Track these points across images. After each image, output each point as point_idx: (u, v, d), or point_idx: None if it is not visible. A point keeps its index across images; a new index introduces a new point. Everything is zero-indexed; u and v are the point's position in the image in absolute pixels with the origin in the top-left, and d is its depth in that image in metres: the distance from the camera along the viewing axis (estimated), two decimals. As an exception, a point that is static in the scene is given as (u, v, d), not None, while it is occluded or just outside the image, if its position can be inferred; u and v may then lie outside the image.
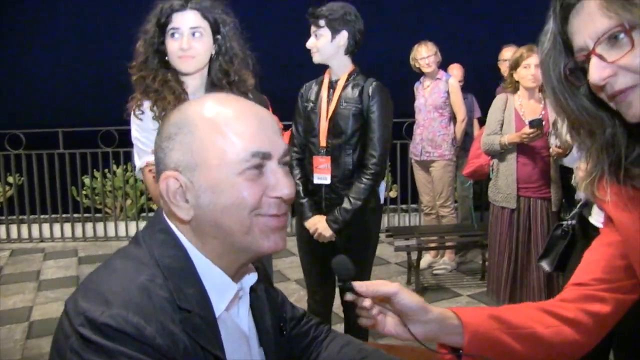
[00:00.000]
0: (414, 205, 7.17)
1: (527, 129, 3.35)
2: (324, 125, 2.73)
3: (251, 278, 1.08)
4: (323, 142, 2.73)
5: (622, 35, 0.82)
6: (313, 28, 2.70)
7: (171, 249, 0.96)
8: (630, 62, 0.83)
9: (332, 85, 2.79)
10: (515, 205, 3.55)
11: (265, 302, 1.15)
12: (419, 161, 5.27)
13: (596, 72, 0.85)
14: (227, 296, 1.00)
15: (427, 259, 5.24)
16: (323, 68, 2.85)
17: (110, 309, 0.83)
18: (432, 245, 5.05)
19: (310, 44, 2.72)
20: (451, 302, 4.49)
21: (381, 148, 2.67)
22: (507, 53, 5.07)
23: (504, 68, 5.08)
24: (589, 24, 0.86)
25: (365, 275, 2.87)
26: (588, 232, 2.14)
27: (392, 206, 7.18)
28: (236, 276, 1.03)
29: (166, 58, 2.08)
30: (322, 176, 2.73)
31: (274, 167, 0.97)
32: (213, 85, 2.12)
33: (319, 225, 2.73)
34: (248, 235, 0.96)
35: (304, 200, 2.79)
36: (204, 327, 0.92)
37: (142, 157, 2.07)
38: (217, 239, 0.97)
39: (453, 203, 5.32)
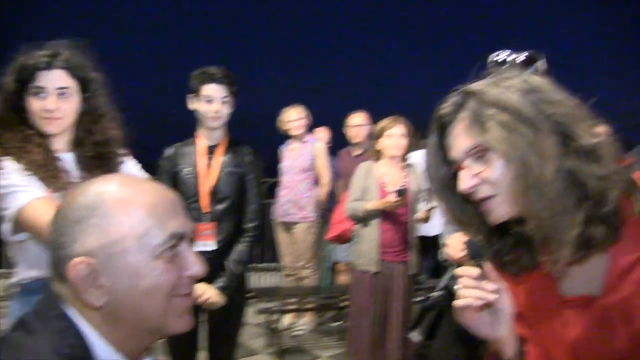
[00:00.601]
0: (273, 264, 7.17)
1: (392, 198, 3.55)
2: (206, 191, 2.68)
3: None
4: (206, 207, 2.67)
5: (481, 154, 1.00)
6: (225, 93, 2.69)
7: (71, 338, 0.90)
8: (488, 176, 1.01)
9: (210, 150, 2.76)
10: (377, 269, 3.69)
11: None
12: (283, 222, 5.32)
13: (463, 182, 1.04)
14: None
15: (286, 320, 5.22)
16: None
17: None
18: (294, 307, 5.06)
19: (217, 107, 2.69)
20: (311, 364, 4.48)
21: (259, 211, 2.77)
22: (356, 119, 5.43)
23: (351, 133, 5.42)
24: (458, 142, 1.05)
25: (235, 340, 2.83)
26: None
27: (251, 265, 7.10)
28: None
29: (25, 114, 1.88)
30: (206, 242, 2.65)
31: (185, 246, 0.97)
32: (76, 144, 1.97)
33: (208, 293, 2.62)
34: (164, 317, 0.93)
35: None
36: None
37: (19, 197, 1.77)
38: (130, 322, 0.92)
39: (314, 265, 5.41)
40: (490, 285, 1.05)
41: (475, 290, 1.05)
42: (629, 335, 0.99)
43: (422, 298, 2.53)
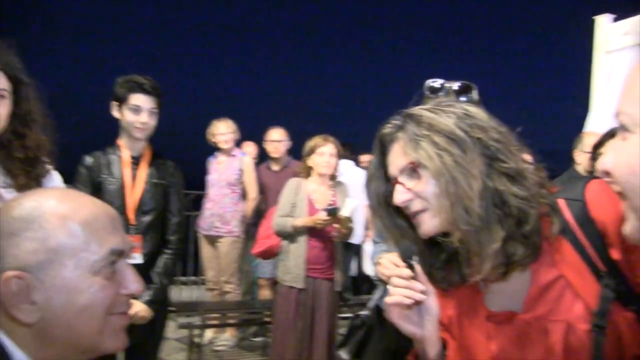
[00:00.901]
0: (194, 278, 7.02)
1: (322, 215, 3.60)
2: (132, 203, 2.62)
3: None
4: (133, 220, 2.60)
5: (413, 170, 1.09)
6: (153, 105, 2.63)
7: None
8: (420, 191, 1.09)
9: (135, 162, 2.69)
10: (303, 286, 3.71)
11: None
12: (207, 236, 5.24)
13: (398, 195, 1.12)
14: None
15: (208, 335, 5.13)
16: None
17: None
18: (215, 322, 4.98)
19: (145, 119, 2.63)
20: (233, 381, 4.42)
21: (182, 224, 2.77)
22: (275, 134, 5.44)
23: (270, 148, 5.44)
24: (396, 159, 1.13)
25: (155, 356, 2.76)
26: (384, 322, 2.31)
27: (173, 278, 6.92)
28: None
29: None
30: (133, 255, 2.56)
31: (124, 264, 0.96)
32: (3, 147, 1.86)
33: (137, 307, 2.54)
34: (99, 335, 0.91)
35: None
36: None
37: None
38: (62, 341, 0.89)
39: (238, 279, 5.35)
40: (419, 286, 1.11)
41: (405, 289, 1.11)
42: (544, 350, 1.07)
43: (351, 315, 2.55)
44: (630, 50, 3.61)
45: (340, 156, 3.96)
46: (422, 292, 1.11)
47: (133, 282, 0.95)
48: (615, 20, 3.84)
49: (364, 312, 2.42)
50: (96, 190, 2.62)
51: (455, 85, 1.66)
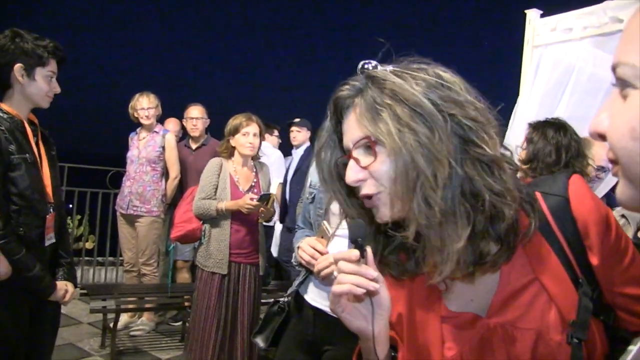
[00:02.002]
0: (111, 259, 6.73)
1: (248, 199, 3.44)
2: (48, 178, 2.34)
3: None
4: (51, 197, 2.34)
5: (369, 146, 0.91)
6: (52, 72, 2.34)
7: None
8: (375, 170, 0.91)
9: (35, 134, 2.34)
10: (226, 271, 3.56)
11: None
12: (125, 215, 4.97)
13: (350, 174, 0.94)
14: None
15: (124, 319, 4.90)
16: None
17: None
18: (131, 306, 4.75)
19: (56, 87, 2.36)
20: (149, 367, 4.24)
21: None
22: (194, 112, 5.32)
23: (189, 126, 5.32)
24: (351, 130, 0.94)
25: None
26: (302, 309, 2.24)
27: (87, 258, 6.60)
28: None
29: None
30: (50, 235, 2.33)
31: None
32: None
33: (69, 287, 2.41)
34: None
35: (43, 270, 2.27)
36: None
37: None
38: None
39: (156, 261, 5.13)
40: (372, 272, 0.93)
41: (354, 276, 0.93)
42: (508, 359, 0.95)
43: (270, 301, 2.45)
44: (556, 47, 3.68)
45: (263, 136, 3.82)
46: (374, 280, 0.93)
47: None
48: (543, 16, 3.90)
49: (282, 299, 2.34)
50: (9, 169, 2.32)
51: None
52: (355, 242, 0.95)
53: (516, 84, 3.84)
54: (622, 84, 0.62)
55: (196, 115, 5.31)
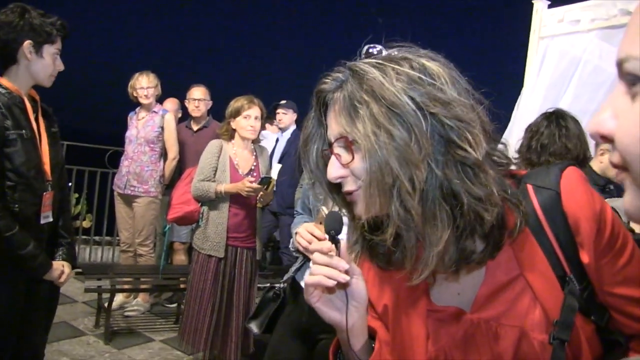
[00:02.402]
0: (108, 238, 6.72)
1: (247, 183, 3.41)
2: (47, 155, 2.29)
3: None
4: (50, 175, 2.29)
5: (346, 145, 0.90)
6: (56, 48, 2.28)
7: None
8: (354, 168, 0.90)
9: (35, 110, 2.30)
10: (223, 255, 3.54)
11: None
12: (122, 194, 4.95)
13: (332, 170, 0.93)
14: None
15: (119, 299, 4.89)
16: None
17: None
18: (127, 286, 4.74)
19: (60, 65, 2.31)
20: (143, 347, 4.24)
21: None
22: (197, 93, 5.28)
23: (191, 107, 5.28)
24: (332, 125, 0.93)
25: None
26: (298, 296, 2.23)
27: (84, 237, 6.60)
28: None
29: None
30: (47, 214, 2.29)
31: None
32: None
33: (65, 268, 2.37)
34: None
35: (38, 249, 2.23)
36: None
37: None
38: None
39: (153, 242, 5.12)
40: (343, 264, 0.93)
41: (326, 268, 0.93)
42: (490, 357, 0.94)
43: (266, 286, 2.44)
44: (562, 39, 3.64)
45: (264, 119, 3.78)
46: (346, 273, 0.93)
47: None
48: (550, 7, 3.86)
49: (278, 285, 2.32)
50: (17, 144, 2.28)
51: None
52: (329, 233, 0.96)
53: (521, 75, 3.81)
54: (632, 79, 0.54)
55: (199, 97, 5.27)
